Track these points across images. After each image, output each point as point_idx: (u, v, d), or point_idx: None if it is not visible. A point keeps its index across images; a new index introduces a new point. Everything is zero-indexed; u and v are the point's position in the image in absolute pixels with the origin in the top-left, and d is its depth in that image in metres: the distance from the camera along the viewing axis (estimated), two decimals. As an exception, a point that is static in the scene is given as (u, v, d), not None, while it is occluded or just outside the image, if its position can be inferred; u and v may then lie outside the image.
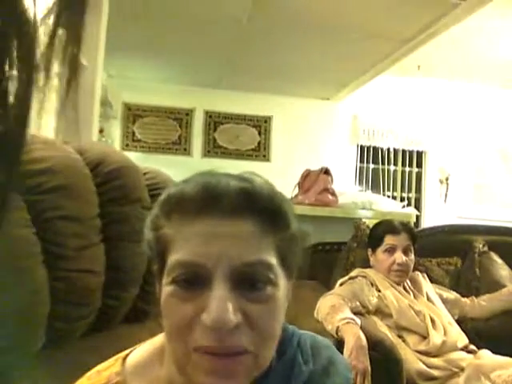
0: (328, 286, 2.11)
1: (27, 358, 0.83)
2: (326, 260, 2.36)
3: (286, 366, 0.64)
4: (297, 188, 2.94)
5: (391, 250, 1.97)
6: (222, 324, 0.51)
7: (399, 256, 1.95)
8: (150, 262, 0.63)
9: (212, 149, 5.27)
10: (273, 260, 0.56)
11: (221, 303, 0.52)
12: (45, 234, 0.84)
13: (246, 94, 5.21)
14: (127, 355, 0.66)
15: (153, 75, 4.94)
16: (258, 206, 0.56)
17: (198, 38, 3.79)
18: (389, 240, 1.99)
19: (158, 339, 0.65)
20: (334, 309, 1.72)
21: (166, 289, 0.56)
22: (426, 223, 5.19)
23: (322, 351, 0.67)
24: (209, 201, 0.56)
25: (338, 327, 1.62)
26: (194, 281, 0.54)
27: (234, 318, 0.52)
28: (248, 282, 0.55)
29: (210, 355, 0.53)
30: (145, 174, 1.17)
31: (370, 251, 2.06)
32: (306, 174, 2.94)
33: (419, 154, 5.66)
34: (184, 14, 3.38)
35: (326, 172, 2.90)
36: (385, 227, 2.05)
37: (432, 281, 2.16)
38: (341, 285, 1.97)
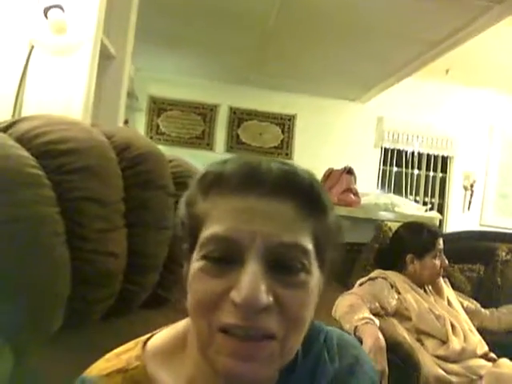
0: (347, 286, 2.08)
1: (44, 336, 0.83)
2: (346, 260, 2.34)
3: (311, 362, 0.62)
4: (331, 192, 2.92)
5: (439, 255, 1.94)
6: (253, 302, 0.49)
7: (444, 259, 1.94)
8: (179, 242, 0.61)
9: (235, 145, 5.27)
10: (309, 246, 0.54)
11: (253, 280, 0.49)
12: (68, 214, 0.84)
13: (271, 91, 5.19)
14: (148, 339, 0.64)
15: (179, 69, 4.95)
16: (299, 190, 0.55)
17: (226, 33, 3.79)
18: (439, 244, 1.96)
19: (181, 325, 0.64)
20: (352, 308, 1.69)
21: (195, 264, 0.54)
22: (448, 229, 5.10)
23: (349, 349, 0.65)
24: (249, 179, 0.54)
25: (356, 327, 1.59)
26: (227, 257, 0.52)
27: (266, 298, 0.49)
28: (282, 264, 0.52)
29: (235, 337, 0.51)
30: (170, 161, 1.16)
31: (410, 257, 1.99)
32: (329, 173, 2.92)
33: (444, 159, 5.57)
34: (213, 9, 3.37)
35: (349, 172, 2.87)
36: (432, 232, 2.00)
37: (453, 287, 2.12)
38: (360, 285, 1.95)
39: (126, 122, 3.91)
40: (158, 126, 5.15)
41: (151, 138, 4.98)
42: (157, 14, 3.38)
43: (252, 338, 0.51)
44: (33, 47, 1.72)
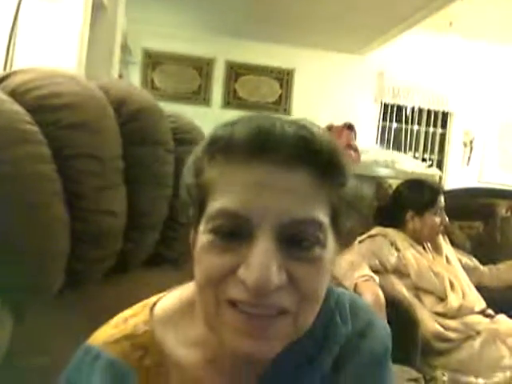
0: (346, 243, 2.08)
1: (44, 296, 0.82)
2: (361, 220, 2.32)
3: (322, 325, 0.60)
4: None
5: (440, 212, 1.94)
6: (264, 284, 0.46)
7: (445, 217, 1.93)
8: (184, 207, 0.58)
9: (232, 100, 5.18)
10: (324, 219, 0.50)
11: (263, 261, 0.46)
12: (65, 171, 0.80)
13: (270, 44, 5.06)
14: (155, 303, 0.62)
15: (175, 20, 4.80)
16: (317, 158, 0.50)
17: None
18: (439, 202, 1.95)
19: (187, 288, 0.62)
20: (352, 266, 1.70)
21: (202, 237, 0.51)
22: (447, 186, 5.10)
23: (361, 313, 0.63)
24: (262, 146, 0.49)
25: (356, 284, 1.60)
26: (236, 232, 0.49)
27: (277, 279, 0.47)
28: (295, 239, 0.49)
29: (245, 314, 0.48)
30: (168, 117, 1.12)
31: (410, 215, 1.97)
32: (329, 129, 2.87)
33: (444, 115, 5.51)
34: None
35: (350, 127, 2.83)
36: (433, 189, 1.99)
37: (453, 244, 2.13)
38: (360, 242, 1.94)
39: (119, 76, 3.82)
40: (152, 81, 5.05)
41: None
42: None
43: (263, 314, 0.48)
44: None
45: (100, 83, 0.97)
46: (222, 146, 0.52)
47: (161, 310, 0.61)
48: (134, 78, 4.94)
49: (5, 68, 1.61)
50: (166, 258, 1.11)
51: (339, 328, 0.60)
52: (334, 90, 5.20)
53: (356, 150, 2.80)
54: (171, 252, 1.10)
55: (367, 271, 1.66)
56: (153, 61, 5.05)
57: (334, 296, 0.63)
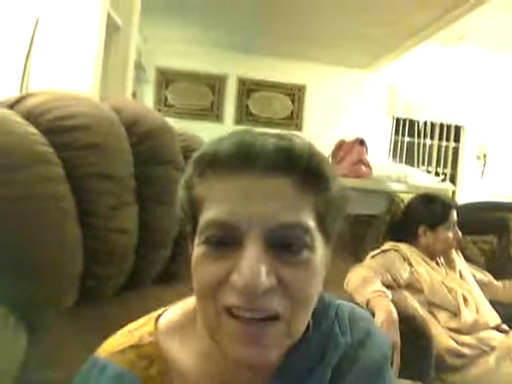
0: (358, 258, 2.07)
1: (58, 313, 0.83)
2: (357, 232, 2.32)
3: (322, 336, 0.61)
4: (329, 158, 2.89)
5: (453, 227, 1.93)
6: (254, 287, 0.48)
7: (457, 231, 1.92)
8: (183, 223, 0.60)
9: (244, 116, 5.22)
10: (310, 223, 0.52)
11: (252, 264, 0.49)
12: (78, 191, 0.83)
13: (281, 60, 5.10)
14: (160, 315, 0.64)
15: (187, 39, 4.87)
16: (297, 165, 0.53)
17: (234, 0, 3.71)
18: (452, 216, 1.94)
19: (191, 301, 0.63)
20: (364, 281, 1.68)
21: (197, 249, 0.54)
22: (460, 200, 5.06)
23: (360, 323, 0.64)
24: (244, 158, 0.52)
25: (368, 299, 1.59)
26: (227, 241, 0.51)
27: (267, 281, 0.49)
28: (283, 244, 0.51)
29: (240, 320, 0.50)
30: (179, 135, 1.14)
31: (422, 229, 1.97)
32: (340, 144, 2.88)
33: (457, 129, 5.49)
34: None
35: (361, 143, 2.83)
36: (446, 203, 1.98)
37: (466, 259, 2.10)
38: (372, 257, 1.93)
39: (133, 94, 3.88)
40: (166, 98, 5.11)
41: (159, 110, 4.95)
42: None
43: (257, 319, 0.50)
44: (38, 20, 1.69)
45: (112, 104, 1.00)
46: (208, 162, 0.54)
47: (165, 321, 0.63)
48: (148, 95, 5.01)
49: (21, 90, 1.65)
50: (176, 275, 1.13)
51: (339, 338, 0.61)
52: (346, 106, 5.22)
53: (367, 164, 2.80)
54: (181, 269, 1.12)
55: (379, 287, 1.65)
56: (166, 78, 5.12)
57: (333, 307, 0.64)
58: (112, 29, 2.28)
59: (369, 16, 3.80)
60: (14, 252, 0.73)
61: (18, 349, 0.75)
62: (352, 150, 2.78)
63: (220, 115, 5.20)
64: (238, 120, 5.21)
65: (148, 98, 4.99)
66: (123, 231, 0.91)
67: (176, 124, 1.14)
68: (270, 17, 4.06)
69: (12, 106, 0.88)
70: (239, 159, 0.52)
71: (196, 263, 0.53)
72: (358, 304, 1.61)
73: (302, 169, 0.53)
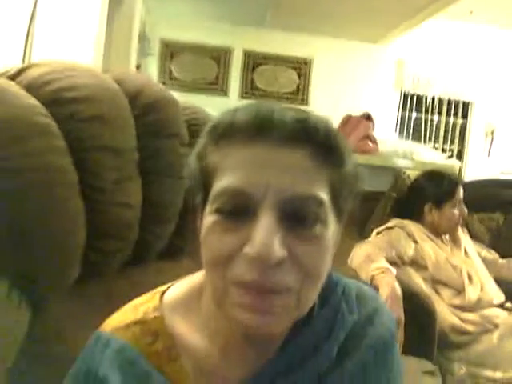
0: (364, 234, 2.07)
1: (61, 288, 0.83)
2: (363, 209, 2.31)
3: (329, 314, 0.61)
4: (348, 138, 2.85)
5: (459, 204, 1.91)
6: (267, 256, 0.47)
7: (463, 209, 1.90)
8: (191, 195, 0.59)
9: (249, 90, 5.17)
10: (324, 197, 0.51)
11: (267, 234, 0.48)
12: (81, 164, 0.81)
13: (288, 33, 5.01)
14: (165, 291, 0.63)
15: (192, 10, 4.78)
16: (314, 138, 0.52)
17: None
18: (458, 194, 1.92)
19: (197, 276, 0.63)
20: (369, 257, 1.68)
21: (208, 218, 0.52)
22: (467, 177, 5.03)
23: (368, 301, 0.64)
24: (261, 128, 0.51)
25: (372, 276, 1.59)
26: (240, 210, 0.50)
27: (280, 252, 0.48)
28: (296, 217, 0.50)
29: (250, 290, 0.49)
30: (184, 109, 1.12)
31: (428, 207, 1.95)
32: (347, 120, 2.84)
33: (465, 105, 5.41)
34: None
35: (368, 118, 2.79)
36: (452, 180, 1.96)
37: (472, 236, 2.09)
38: (377, 234, 1.93)
39: (137, 66, 3.83)
40: (170, 71, 5.05)
41: (164, 83, 4.90)
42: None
43: (269, 291, 0.49)
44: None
45: (115, 75, 0.98)
46: (224, 131, 0.53)
47: (171, 296, 0.62)
48: (152, 68, 4.95)
49: (23, 61, 1.62)
50: (181, 249, 1.12)
51: (346, 316, 0.61)
52: (353, 80, 5.14)
53: (374, 140, 2.77)
54: (186, 243, 1.11)
55: (384, 263, 1.65)
56: (170, 51, 5.05)
57: (340, 285, 0.64)
58: (115, 0, 2.24)
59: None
60: (16, 226, 0.72)
61: (21, 324, 0.75)
62: (359, 126, 2.75)
63: (225, 89, 5.14)
64: (244, 94, 5.15)
65: (152, 71, 4.94)
66: (127, 205, 0.90)
67: (181, 97, 1.11)
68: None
69: (13, 77, 0.86)
70: (256, 128, 0.51)
71: (207, 233, 0.52)
72: (362, 280, 1.61)
73: (319, 142, 0.52)
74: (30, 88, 0.82)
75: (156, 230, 1.02)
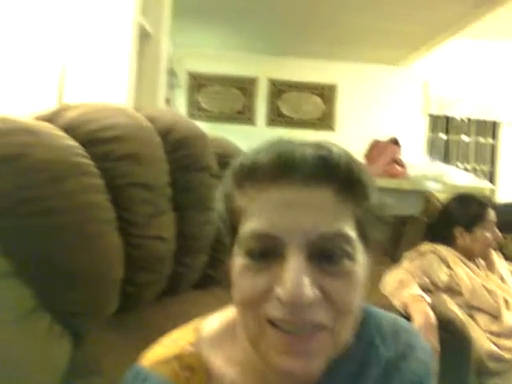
0: (394, 260, 2.05)
1: (101, 319, 0.85)
2: (393, 233, 2.29)
3: (363, 347, 0.61)
4: (363, 158, 2.86)
5: (491, 227, 1.88)
6: (298, 299, 0.48)
7: (496, 231, 1.87)
8: (221, 232, 0.61)
9: (276, 118, 5.23)
10: (351, 232, 0.52)
11: (296, 276, 0.48)
12: (117, 200, 0.85)
13: (311, 60, 5.09)
14: (201, 325, 0.65)
15: (217, 42, 4.91)
16: (336, 175, 0.52)
17: (263, 2, 3.72)
18: (490, 216, 1.89)
19: (230, 311, 0.64)
20: (401, 284, 1.67)
21: (237, 260, 0.54)
22: (501, 199, 4.93)
23: (402, 334, 0.63)
24: (283, 169, 0.52)
25: (405, 303, 1.57)
26: (268, 252, 0.51)
27: (311, 293, 0.48)
28: (324, 254, 0.51)
29: (285, 333, 0.50)
30: (213, 142, 1.16)
31: (459, 230, 1.92)
32: (374, 144, 2.85)
33: (495, 125, 5.34)
34: None
35: (395, 142, 2.79)
36: (481, 202, 1.93)
37: (507, 259, 2.05)
38: (409, 260, 1.91)
39: (167, 100, 3.93)
40: (198, 103, 5.17)
41: (192, 114, 5.01)
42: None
43: (303, 330, 0.50)
44: (71, 34, 1.73)
45: (147, 113, 1.02)
46: (247, 173, 0.55)
47: (206, 331, 0.63)
48: (180, 100, 5.08)
49: (58, 102, 1.69)
50: (214, 280, 1.14)
51: (379, 350, 0.61)
52: (379, 104, 5.15)
53: (402, 164, 2.76)
54: (218, 273, 1.13)
55: (417, 290, 1.63)
56: (198, 83, 5.18)
57: (374, 318, 0.64)
58: (143, 37, 2.32)
59: (398, 11, 3.75)
60: (58, 262, 0.75)
61: (62, 356, 0.77)
62: (386, 150, 2.75)
63: (252, 117, 5.22)
64: (270, 122, 5.21)
65: (180, 103, 5.06)
66: (161, 238, 0.92)
67: (208, 128, 1.14)
68: (299, 18, 4.05)
69: (50, 119, 0.90)
70: (278, 170, 0.52)
71: (237, 275, 0.54)
72: (394, 308, 1.59)
73: (341, 178, 0.53)
74: (67, 129, 0.86)
75: (189, 262, 1.04)
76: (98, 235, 0.79)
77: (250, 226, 0.53)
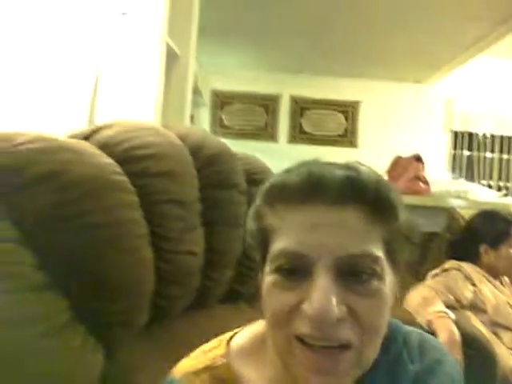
0: (418, 277, 2.04)
1: (133, 332, 0.88)
2: (417, 250, 2.28)
3: (391, 363, 0.62)
4: (385, 175, 2.86)
5: None
6: (325, 316, 0.50)
7: None
8: (249, 248, 0.64)
9: (298, 135, 5.26)
10: (379, 253, 0.54)
11: (323, 294, 0.50)
12: (151, 216, 0.88)
13: (334, 78, 5.12)
14: (231, 338, 0.67)
15: (240, 60, 4.99)
16: (365, 196, 0.54)
17: (285, 20, 3.77)
18: None
19: (260, 325, 0.66)
20: (425, 301, 1.66)
21: (267, 278, 0.56)
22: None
23: (430, 350, 0.64)
24: (313, 189, 0.54)
25: (430, 320, 1.57)
26: (297, 270, 0.53)
27: (338, 311, 0.50)
28: (352, 273, 0.53)
29: (311, 348, 0.52)
30: (241, 159, 1.19)
31: (484, 247, 1.92)
32: (397, 161, 2.85)
33: (519, 141, 5.28)
34: None
35: (418, 159, 2.79)
36: (506, 219, 1.92)
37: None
38: (433, 277, 1.90)
39: (191, 117, 4.00)
40: (221, 120, 5.23)
41: (215, 131, 5.08)
42: (213, 8, 3.40)
43: (328, 348, 0.52)
44: (101, 55, 1.79)
45: (178, 132, 1.06)
46: (278, 193, 0.57)
47: (237, 344, 0.66)
48: (204, 117, 5.16)
49: (89, 121, 1.75)
50: (241, 294, 1.16)
51: (407, 366, 0.61)
52: (401, 121, 5.14)
53: (425, 181, 2.75)
54: (245, 288, 1.15)
55: (441, 307, 1.62)
56: (221, 100, 5.25)
57: (401, 334, 0.65)
58: (171, 58, 2.39)
59: (422, 31, 3.77)
60: (93, 275, 0.78)
61: (95, 368, 0.80)
62: (409, 167, 2.75)
63: (274, 134, 5.26)
64: (292, 139, 5.25)
65: (204, 120, 5.13)
66: (192, 253, 0.96)
67: (231, 144, 1.17)
68: (322, 36, 4.10)
69: (87, 137, 0.95)
70: (308, 191, 0.55)
71: (267, 292, 0.56)
72: (419, 324, 1.58)
73: (370, 199, 0.54)
74: (104, 147, 0.90)
75: (217, 276, 1.07)
76: (133, 250, 0.83)
77: (279, 244, 0.55)
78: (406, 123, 5.14)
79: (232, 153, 1.13)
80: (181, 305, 1.00)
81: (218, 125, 5.22)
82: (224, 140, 1.17)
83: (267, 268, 0.57)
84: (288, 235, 0.55)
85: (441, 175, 4.08)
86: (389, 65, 4.71)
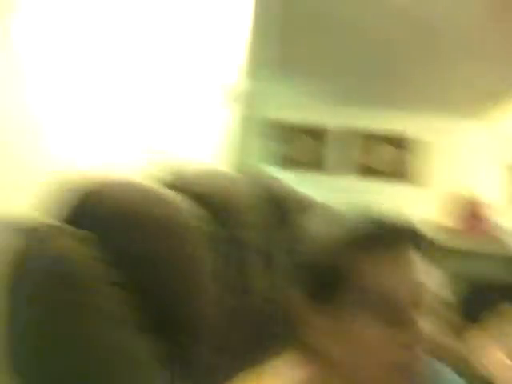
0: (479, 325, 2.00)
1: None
2: (479, 297, 2.24)
3: None
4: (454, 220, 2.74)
5: None
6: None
7: None
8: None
9: (350, 167, 5.23)
10: None
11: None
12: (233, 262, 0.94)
13: (390, 111, 5.06)
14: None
15: (293, 91, 4.98)
16: (418, 239, 0.68)
17: (339, 54, 3.84)
18: None
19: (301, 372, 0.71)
20: (486, 350, 1.63)
21: (351, 318, 0.64)
22: None
23: None
24: (390, 240, 0.66)
25: (491, 371, 1.54)
26: (387, 311, 0.63)
27: None
28: None
29: None
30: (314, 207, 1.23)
31: None
32: (456, 201, 2.80)
33: None
34: (322, 29, 3.43)
35: (480, 199, 2.73)
36: None
37: None
38: (494, 325, 1.87)
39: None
40: (275, 151, 5.27)
41: (266, 161, 5.11)
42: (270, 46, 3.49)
43: None
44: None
45: (263, 184, 1.11)
46: (363, 243, 0.65)
47: None
48: (254, 147, 5.12)
49: (163, 158, 1.78)
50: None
51: None
52: (462, 159, 5.01)
53: (488, 222, 2.70)
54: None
55: (502, 357, 1.60)
56: (278, 132, 5.27)
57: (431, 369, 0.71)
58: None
59: (478, 66, 3.74)
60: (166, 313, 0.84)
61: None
62: (470, 208, 2.71)
63: (326, 167, 5.25)
64: (344, 172, 5.20)
65: (254, 151, 5.13)
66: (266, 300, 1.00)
67: (285, 176, 1.19)
68: (377, 69, 4.11)
69: (174, 185, 1.00)
70: (385, 241, 0.65)
71: (356, 331, 0.63)
72: (479, 374, 1.56)
73: (419, 241, 0.67)
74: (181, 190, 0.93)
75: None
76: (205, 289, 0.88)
77: (368, 286, 0.63)
78: (468, 161, 4.96)
79: (312, 203, 1.17)
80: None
81: (274, 155, 5.23)
82: (277, 170, 1.18)
83: (349, 307, 0.66)
84: (374, 279, 0.65)
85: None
86: (444, 99, 4.65)
